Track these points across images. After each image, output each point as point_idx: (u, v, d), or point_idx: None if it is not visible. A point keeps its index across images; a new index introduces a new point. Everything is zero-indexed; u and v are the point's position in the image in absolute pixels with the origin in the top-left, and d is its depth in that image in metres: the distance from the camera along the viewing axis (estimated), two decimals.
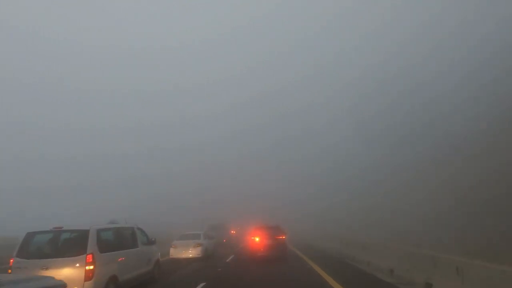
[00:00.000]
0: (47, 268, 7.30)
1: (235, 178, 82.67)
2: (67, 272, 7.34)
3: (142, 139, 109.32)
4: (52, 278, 6.05)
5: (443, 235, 19.71)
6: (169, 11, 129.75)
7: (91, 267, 7.50)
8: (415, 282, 7.74)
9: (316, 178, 67.03)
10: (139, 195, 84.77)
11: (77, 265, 7.44)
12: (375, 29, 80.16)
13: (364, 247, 12.37)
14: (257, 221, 23.95)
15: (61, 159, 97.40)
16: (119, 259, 8.58)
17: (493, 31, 39.37)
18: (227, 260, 15.35)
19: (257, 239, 15.43)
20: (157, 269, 11.41)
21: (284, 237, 15.69)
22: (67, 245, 8.13)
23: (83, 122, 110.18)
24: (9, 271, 7.47)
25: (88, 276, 7.40)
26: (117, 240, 9.17)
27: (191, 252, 15.50)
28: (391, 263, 9.31)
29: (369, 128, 58.14)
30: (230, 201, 68.44)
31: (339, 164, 62.43)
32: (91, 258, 7.58)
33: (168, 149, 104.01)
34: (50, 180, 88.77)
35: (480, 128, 28.82)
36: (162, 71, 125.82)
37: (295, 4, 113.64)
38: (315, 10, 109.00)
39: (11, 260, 7.62)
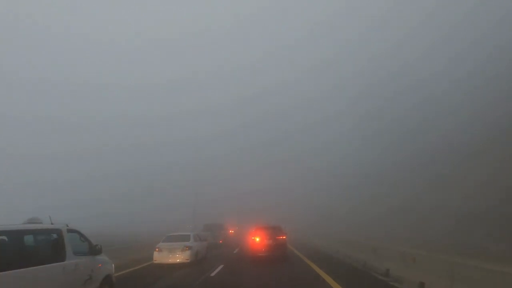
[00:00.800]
0: None
1: (234, 176, 79.58)
2: None
3: (135, 133, 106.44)
4: None
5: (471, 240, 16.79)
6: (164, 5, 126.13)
7: None
8: None
9: (317, 175, 63.75)
10: (133, 191, 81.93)
11: None
12: (374, 26, 77.38)
13: (405, 257, 8.64)
14: (257, 221, 22.94)
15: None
16: (14, 284, 4.91)
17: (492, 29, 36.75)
18: (212, 274, 11.55)
19: (257, 239, 15.24)
20: None
21: (284, 237, 15.51)
22: None
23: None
24: None
25: None
26: (18, 251, 5.43)
27: (178, 257, 13.39)
28: None
29: (371, 124, 55.58)
30: (229, 200, 65.43)
31: (342, 161, 59.12)
32: None
33: (164, 144, 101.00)
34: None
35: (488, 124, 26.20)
36: (152, 65, 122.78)
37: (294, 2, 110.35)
38: (314, 7, 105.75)
39: None
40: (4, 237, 5.32)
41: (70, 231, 6.74)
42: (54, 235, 6.36)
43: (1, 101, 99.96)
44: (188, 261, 13.40)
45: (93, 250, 7.36)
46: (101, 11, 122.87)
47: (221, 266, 13.28)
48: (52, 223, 6.69)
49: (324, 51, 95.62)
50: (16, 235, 5.50)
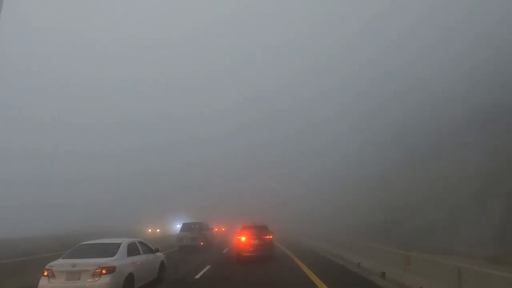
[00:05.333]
0: None
1: (229, 177, 79.18)
2: None
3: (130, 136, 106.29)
4: None
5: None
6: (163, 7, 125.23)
7: None
8: None
9: (311, 177, 63.57)
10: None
11: None
12: (373, 25, 77.02)
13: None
14: (246, 220, 22.37)
15: None
16: None
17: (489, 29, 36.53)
18: None
19: (243, 238, 15.18)
20: None
21: (271, 236, 15.52)
22: None
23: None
24: None
25: None
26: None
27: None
28: None
29: (362, 127, 55.79)
30: (222, 200, 65.19)
31: (339, 161, 58.77)
32: None
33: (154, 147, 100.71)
34: None
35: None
36: (147, 65, 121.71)
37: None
38: (313, 6, 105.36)
39: None
40: None
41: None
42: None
43: None
44: None
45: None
46: (93, 10, 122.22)
47: None
48: None
49: (323, 51, 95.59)
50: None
